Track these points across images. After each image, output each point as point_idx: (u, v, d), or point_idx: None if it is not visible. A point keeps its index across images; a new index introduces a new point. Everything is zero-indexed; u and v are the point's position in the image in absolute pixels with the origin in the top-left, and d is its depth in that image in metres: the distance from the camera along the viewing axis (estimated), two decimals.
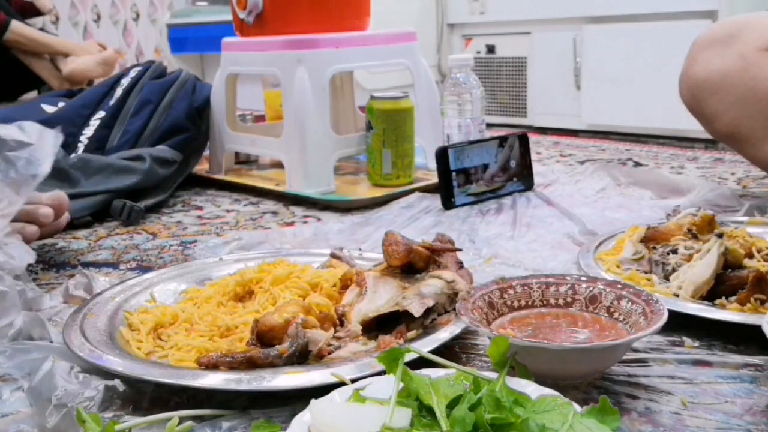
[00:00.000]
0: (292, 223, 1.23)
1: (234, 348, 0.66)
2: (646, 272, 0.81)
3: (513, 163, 1.31)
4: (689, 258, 0.79)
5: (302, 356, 0.62)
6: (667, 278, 0.79)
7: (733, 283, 0.73)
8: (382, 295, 0.71)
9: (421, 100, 1.46)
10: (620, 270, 0.82)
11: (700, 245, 0.80)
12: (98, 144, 1.42)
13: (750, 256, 0.78)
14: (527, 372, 0.53)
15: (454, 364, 0.52)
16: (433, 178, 1.33)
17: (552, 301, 0.70)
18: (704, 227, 0.84)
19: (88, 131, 1.43)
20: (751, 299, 0.70)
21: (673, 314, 0.64)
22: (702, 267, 0.75)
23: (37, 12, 2.48)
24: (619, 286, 0.68)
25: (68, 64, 2.25)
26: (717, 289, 0.74)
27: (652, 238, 0.86)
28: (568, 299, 0.69)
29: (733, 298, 0.72)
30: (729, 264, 0.75)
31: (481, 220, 1.15)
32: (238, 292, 0.79)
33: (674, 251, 0.82)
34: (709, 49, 1.10)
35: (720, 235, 0.77)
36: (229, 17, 1.56)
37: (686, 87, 1.13)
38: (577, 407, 0.47)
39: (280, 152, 1.41)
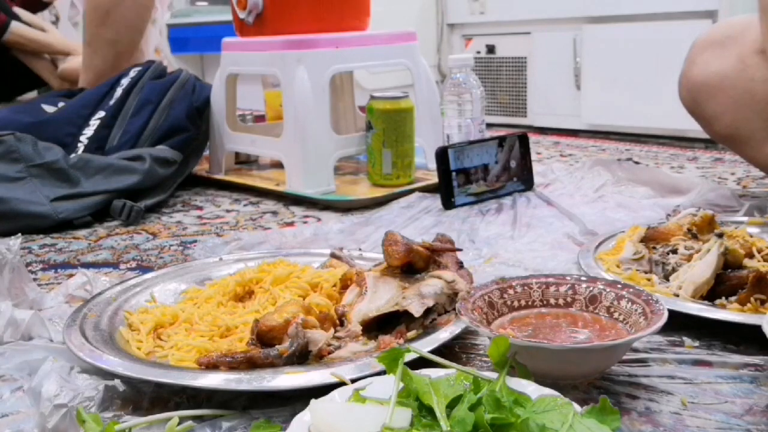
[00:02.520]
0: (292, 223, 1.23)
1: (234, 348, 0.66)
2: (646, 272, 0.81)
3: (513, 163, 1.31)
4: (689, 258, 0.79)
5: (302, 356, 0.62)
6: (667, 278, 0.79)
7: (733, 283, 0.73)
8: (382, 295, 0.71)
9: (421, 100, 1.46)
10: (620, 270, 0.82)
11: (700, 245, 0.80)
12: (98, 144, 1.42)
13: (750, 256, 0.78)
14: (527, 372, 0.53)
15: (454, 364, 0.52)
16: (433, 178, 1.33)
17: (552, 301, 0.70)
18: (704, 227, 0.84)
19: (88, 131, 1.43)
20: (751, 299, 0.70)
21: (673, 314, 0.64)
22: (702, 267, 0.75)
23: (42, 5, 2.47)
24: (619, 286, 0.68)
25: (63, 63, 2.25)
26: (717, 289, 0.74)
27: (652, 238, 0.86)
28: (568, 299, 0.69)
29: (733, 298, 0.72)
30: (729, 264, 0.75)
31: (481, 220, 1.15)
32: (238, 292, 0.79)
33: (674, 251, 0.82)
34: (708, 51, 1.10)
35: (720, 235, 0.77)
36: (229, 17, 1.56)
37: (685, 89, 1.13)
38: (577, 407, 0.47)
39: (280, 152, 1.41)
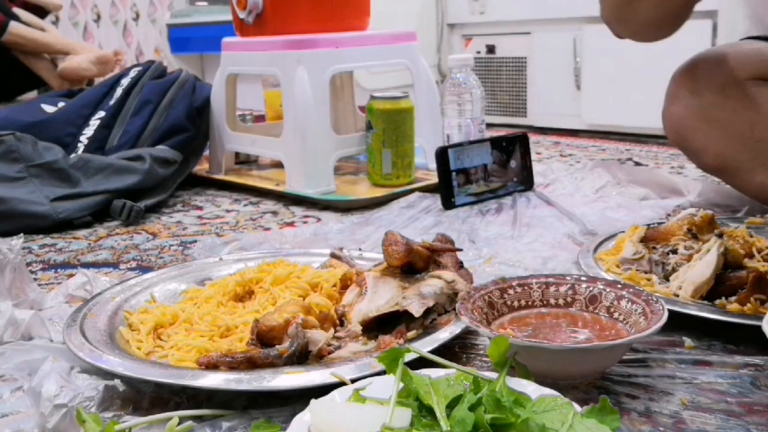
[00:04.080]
0: (292, 223, 1.23)
1: (234, 348, 0.66)
2: (646, 272, 0.81)
3: (513, 163, 1.31)
4: (689, 258, 0.79)
5: (302, 356, 0.62)
6: (667, 278, 0.79)
7: (733, 283, 0.73)
8: (382, 295, 0.71)
9: (421, 100, 1.46)
10: (620, 270, 0.82)
11: (700, 245, 0.80)
12: (98, 144, 1.42)
13: (750, 256, 0.78)
14: (527, 372, 0.53)
15: (454, 364, 0.52)
16: (433, 178, 1.33)
17: (552, 301, 0.70)
18: (704, 227, 0.84)
19: (88, 131, 1.43)
20: (751, 299, 0.70)
21: (673, 314, 0.64)
22: (702, 267, 0.75)
23: (44, 12, 2.47)
24: (619, 286, 0.68)
25: (63, 63, 2.25)
26: (717, 289, 0.74)
27: (652, 238, 0.86)
28: (568, 299, 0.69)
29: (733, 298, 0.72)
30: (729, 264, 0.75)
31: (481, 220, 1.15)
32: (238, 292, 0.79)
33: (674, 251, 0.82)
34: (688, 85, 1.08)
35: (720, 235, 0.77)
36: (229, 17, 1.56)
37: (669, 125, 1.12)
38: (577, 407, 0.47)
39: (280, 152, 1.41)
